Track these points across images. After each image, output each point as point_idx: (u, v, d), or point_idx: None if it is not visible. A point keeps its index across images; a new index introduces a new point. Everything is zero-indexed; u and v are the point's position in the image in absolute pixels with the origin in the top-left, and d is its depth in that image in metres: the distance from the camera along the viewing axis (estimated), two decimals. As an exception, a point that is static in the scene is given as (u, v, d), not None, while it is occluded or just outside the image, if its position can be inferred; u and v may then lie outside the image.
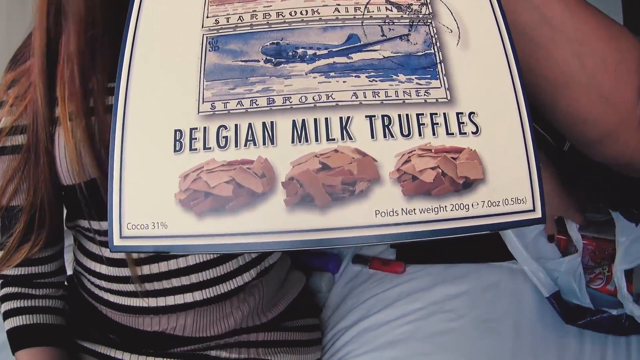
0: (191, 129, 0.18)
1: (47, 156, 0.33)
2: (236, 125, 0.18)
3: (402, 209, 0.17)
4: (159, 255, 0.35)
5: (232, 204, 0.17)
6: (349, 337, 0.48)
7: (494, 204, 0.18)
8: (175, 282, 0.36)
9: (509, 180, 0.18)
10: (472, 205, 0.18)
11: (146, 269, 0.35)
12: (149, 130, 0.18)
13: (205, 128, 0.18)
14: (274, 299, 0.44)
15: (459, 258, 0.51)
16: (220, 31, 0.20)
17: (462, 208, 0.18)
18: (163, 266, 0.35)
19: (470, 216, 0.18)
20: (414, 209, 0.17)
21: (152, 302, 0.37)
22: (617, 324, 0.42)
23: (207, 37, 0.20)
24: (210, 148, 0.18)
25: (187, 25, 0.20)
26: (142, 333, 0.38)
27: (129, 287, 0.37)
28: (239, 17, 0.20)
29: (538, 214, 0.18)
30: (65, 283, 0.42)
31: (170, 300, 0.37)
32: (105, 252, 0.38)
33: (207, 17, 0.20)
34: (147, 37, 0.20)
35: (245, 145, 0.18)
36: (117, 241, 0.18)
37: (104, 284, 0.39)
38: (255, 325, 0.41)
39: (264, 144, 0.18)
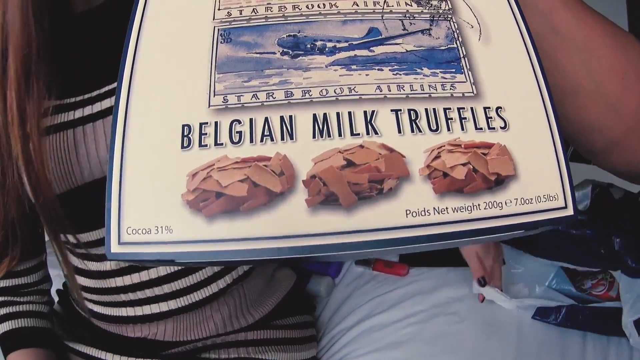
0: (201, 124, 0.17)
1: (13, 175, 0.33)
2: (251, 120, 0.17)
3: (434, 208, 0.16)
4: (132, 267, 0.36)
5: (246, 205, 0.16)
6: (350, 337, 0.47)
7: (527, 201, 0.17)
8: (149, 292, 0.37)
9: (540, 176, 0.17)
10: (505, 203, 0.17)
11: (119, 281, 0.37)
12: (154, 125, 0.17)
13: (216, 123, 0.17)
14: (259, 299, 0.44)
15: (462, 261, 0.51)
16: (232, 23, 0.19)
17: (495, 206, 0.17)
18: (135, 278, 0.36)
19: (504, 214, 0.17)
20: (447, 208, 0.16)
21: (130, 311, 0.38)
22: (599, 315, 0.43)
23: (218, 29, 0.18)
24: (222, 144, 0.16)
25: (196, 17, 0.19)
26: (127, 339, 0.39)
27: (107, 298, 0.38)
28: (253, 9, 0.19)
29: (570, 212, 0.17)
30: (60, 288, 0.44)
31: (147, 310, 0.38)
32: (82, 264, 0.39)
33: (219, 9, 0.19)
34: (153, 29, 0.18)
35: (262, 140, 0.16)
36: (114, 248, 0.16)
37: (83, 294, 0.40)
38: (242, 327, 0.41)
39: (282, 139, 0.16)
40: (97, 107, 0.34)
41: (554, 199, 0.17)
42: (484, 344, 0.44)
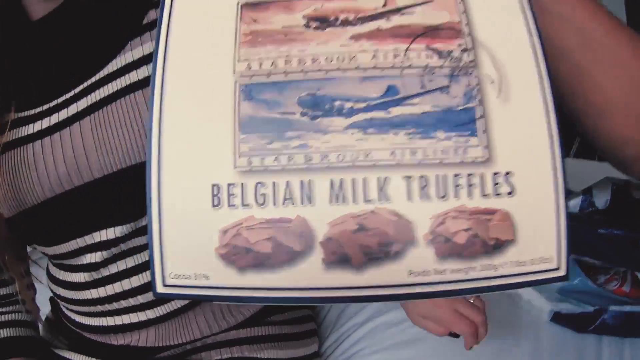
0: (228, 185, 0.20)
1: None
2: (274, 183, 0.20)
3: (434, 269, 0.19)
4: (104, 279, 0.37)
5: (271, 260, 0.19)
6: (359, 336, 0.48)
7: (521, 263, 0.20)
8: (125, 303, 0.38)
9: (538, 240, 0.20)
10: (501, 265, 0.20)
11: (94, 293, 0.38)
12: (186, 183, 0.20)
13: (242, 184, 0.20)
14: None
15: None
16: (253, 78, 0.21)
17: (490, 268, 0.20)
18: (109, 289, 0.37)
19: (497, 276, 0.20)
20: (445, 270, 0.20)
21: (110, 321, 0.39)
22: (618, 325, 0.46)
23: (239, 84, 0.21)
24: (248, 205, 0.20)
25: (218, 70, 0.21)
26: (111, 346, 0.40)
27: (85, 309, 0.40)
28: (272, 62, 0.21)
29: (562, 272, 0.20)
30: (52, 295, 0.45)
31: (126, 319, 0.39)
32: (59, 275, 0.40)
33: (239, 60, 0.21)
34: (177, 84, 0.21)
35: (284, 203, 0.20)
36: (160, 288, 0.20)
37: (63, 303, 0.42)
38: (231, 325, 0.41)
39: (302, 203, 0.19)
40: (55, 118, 0.34)
41: (547, 261, 0.20)
42: (497, 344, 0.45)
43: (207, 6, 0.22)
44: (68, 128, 0.33)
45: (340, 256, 0.19)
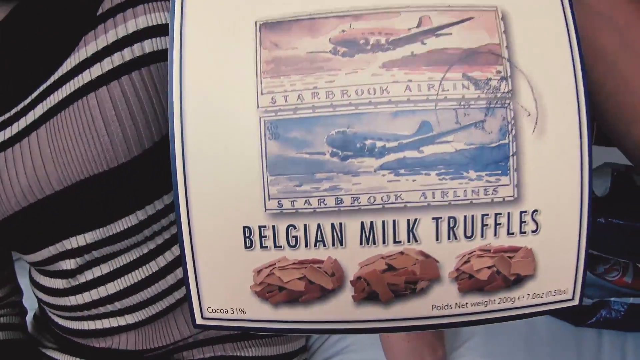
0: (260, 227, 0.22)
1: None
2: (305, 226, 0.21)
3: (455, 303, 0.22)
4: (81, 286, 0.40)
5: (304, 298, 0.22)
6: None
7: (539, 296, 0.23)
8: (103, 309, 0.40)
9: (557, 274, 0.23)
10: (518, 298, 0.23)
11: (73, 300, 0.40)
12: (217, 225, 0.22)
13: (274, 227, 0.21)
14: None
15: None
16: (278, 113, 0.21)
17: (509, 301, 0.23)
18: (87, 297, 0.40)
19: (515, 307, 0.23)
20: (467, 303, 0.22)
21: (91, 325, 0.42)
22: (616, 320, 0.49)
23: (265, 121, 0.21)
24: (280, 247, 0.22)
25: (240, 105, 0.21)
26: (94, 349, 0.43)
27: (66, 314, 0.42)
28: (299, 95, 0.21)
29: (575, 302, 0.23)
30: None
31: (106, 324, 0.41)
32: (40, 279, 0.42)
33: (262, 93, 0.21)
34: (199, 123, 0.21)
35: (315, 246, 0.21)
36: (199, 321, 0.23)
37: (45, 307, 0.44)
38: None
39: (334, 245, 0.21)
40: (15, 128, 0.33)
41: (563, 293, 0.23)
42: (493, 338, 0.48)
43: (222, 27, 0.22)
44: (26, 138, 0.33)
45: (369, 293, 0.22)
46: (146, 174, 0.35)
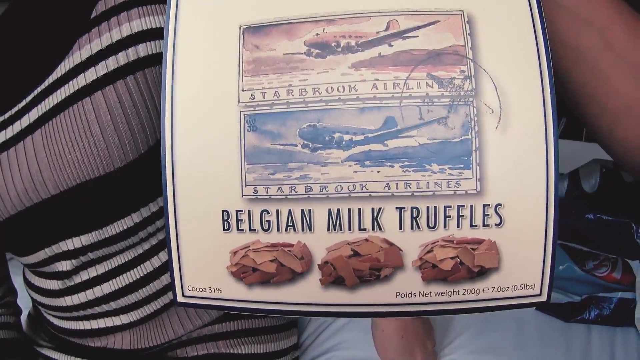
0: (237, 211, 0.25)
1: None
2: (277, 211, 0.25)
3: (419, 292, 0.25)
4: (76, 286, 0.43)
5: (275, 279, 0.25)
6: (340, 325, 0.51)
7: (504, 289, 0.25)
8: (98, 309, 0.43)
9: (522, 268, 0.25)
10: (483, 290, 0.25)
11: (69, 300, 0.43)
12: (199, 209, 0.26)
13: (249, 211, 0.25)
14: None
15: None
16: (257, 108, 0.25)
17: (473, 292, 0.25)
18: (82, 297, 0.42)
19: (479, 299, 0.25)
20: (430, 292, 0.25)
21: (86, 325, 0.44)
22: (608, 317, 0.51)
23: (244, 114, 0.25)
24: (255, 230, 0.25)
25: (223, 101, 0.25)
26: (89, 348, 0.46)
27: (62, 314, 0.45)
28: (275, 92, 0.25)
29: (544, 298, 0.25)
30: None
31: (102, 323, 0.44)
32: (34, 280, 0.45)
33: (243, 90, 0.25)
34: (186, 114, 0.25)
35: (286, 230, 0.25)
36: (180, 298, 0.27)
37: (40, 308, 0.48)
38: (205, 323, 0.46)
39: (303, 230, 0.25)
40: (10, 132, 0.35)
41: (530, 287, 0.25)
42: (481, 334, 0.50)
43: (211, 30, 0.26)
44: (22, 142, 0.35)
45: (335, 278, 0.25)
46: (141, 178, 0.38)
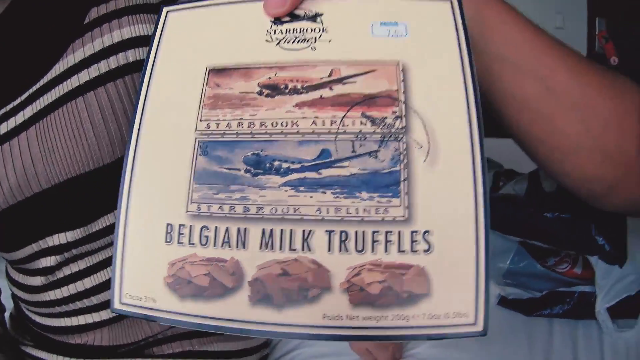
0: (180, 225, 0.32)
1: None
2: (216, 227, 0.31)
3: (346, 315, 0.29)
4: (60, 281, 0.51)
5: (207, 293, 0.30)
6: None
7: (435, 316, 0.29)
8: (80, 304, 0.52)
9: (454, 296, 0.29)
10: (413, 316, 0.29)
11: (52, 294, 0.52)
12: (147, 220, 0.32)
13: (191, 226, 0.31)
14: None
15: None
16: (210, 136, 0.33)
17: (402, 319, 0.29)
18: (65, 291, 0.51)
19: (409, 326, 0.29)
20: (358, 316, 0.29)
21: (67, 321, 0.53)
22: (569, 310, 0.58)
23: (199, 140, 0.33)
24: (193, 244, 0.31)
25: (184, 127, 0.33)
26: (70, 345, 0.54)
27: (44, 310, 0.53)
28: (227, 123, 0.33)
29: (479, 328, 0.29)
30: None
31: (82, 320, 0.52)
32: (18, 277, 0.53)
33: (201, 120, 0.33)
34: (150, 134, 0.33)
35: (222, 246, 0.31)
36: (117, 305, 0.32)
37: (23, 305, 0.56)
38: None
39: (237, 247, 0.31)
40: (4, 127, 0.43)
41: (464, 316, 0.29)
42: None
43: (182, 67, 0.35)
44: (16, 138, 0.43)
45: (264, 295, 0.30)
46: None
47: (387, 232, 0.30)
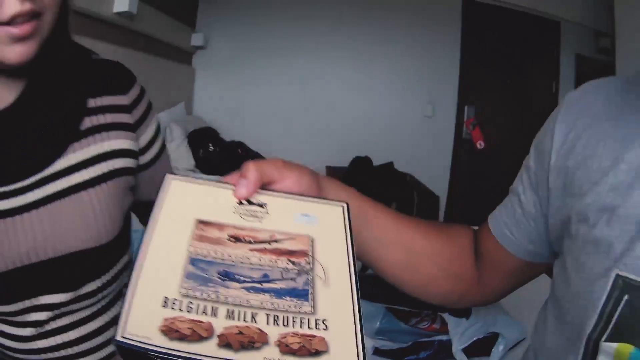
0: (174, 299, 0.53)
1: None
2: (197, 304, 0.54)
3: (278, 358, 0.51)
4: (48, 332, 0.65)
5: (189, 338, 0.50)
6: None
7: (330, 366, 0.53)
8: (64, 352, 0.67)
9: (344, 354, 0.54)
10: (316, 365, 0.52)
11: (40, 344, 0.66)
12: (151, 293, 0.53)
13: (181, 301, 0.53)
14: None
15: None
16: (197, 255, 0.58)
17: (310, 366, 0.52)
18: (51, 341, 0.66)
19: (314, 371, 0.52)
20: (284, 362, 0.52)
21: None
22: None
23: (190, 257, 0.58)
24: (182, 310, 0.53)
25: (180, 250, 0.58)
26: None
27: (28, 357, 0.65)
28: (207, 251, 0.59)
29: (358, 375, 0.53)
30: None
31: None
32: (4, 328, 0.64)
33: (191, 246, 0.59)
34: (156, 251, 0.57)
35: (201, 314, 0.53)
36: (119, 337, 0.49)
37: (7, 352, 0.66)
38: None
39: (211, 315, 0.53)
40: (14, 202, 0.61)
41: (347, 365, 0.53)
42: None
43: (181, 215, 0.62)
44: (28, 213, 0.60)
45: (226, 343, 0.51)
46: (117, 248, 0.67)
47: (301, 318, 0.56)
